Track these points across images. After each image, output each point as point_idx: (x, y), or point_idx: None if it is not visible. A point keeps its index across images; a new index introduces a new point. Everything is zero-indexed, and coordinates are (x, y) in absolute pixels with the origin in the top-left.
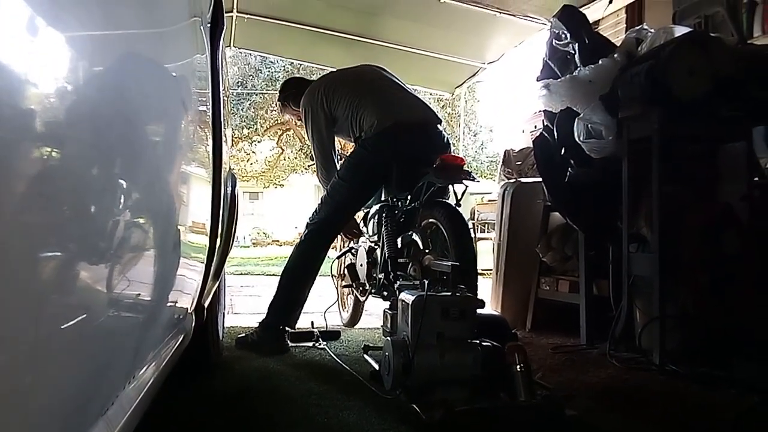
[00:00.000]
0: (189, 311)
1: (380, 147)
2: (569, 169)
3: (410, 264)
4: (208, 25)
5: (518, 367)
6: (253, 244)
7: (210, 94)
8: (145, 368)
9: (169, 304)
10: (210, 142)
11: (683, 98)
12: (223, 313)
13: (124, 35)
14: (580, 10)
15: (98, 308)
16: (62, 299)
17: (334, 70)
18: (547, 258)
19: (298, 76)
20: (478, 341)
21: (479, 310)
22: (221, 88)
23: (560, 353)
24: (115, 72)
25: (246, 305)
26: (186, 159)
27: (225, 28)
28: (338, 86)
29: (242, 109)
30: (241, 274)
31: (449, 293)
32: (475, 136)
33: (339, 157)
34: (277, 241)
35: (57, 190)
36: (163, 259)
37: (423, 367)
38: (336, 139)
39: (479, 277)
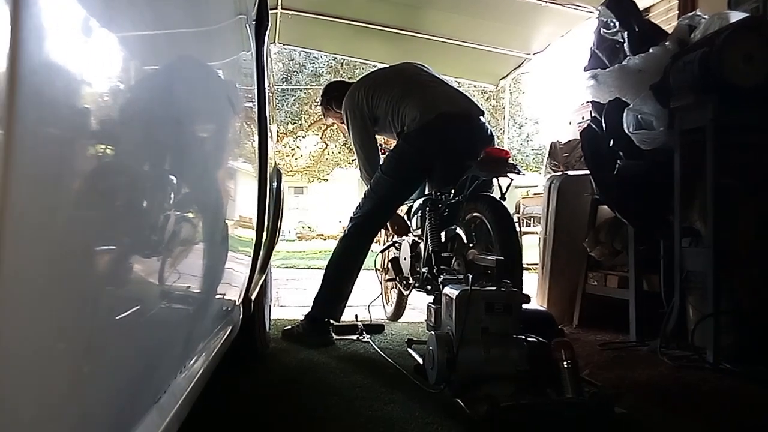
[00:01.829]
0: (237, 303)
1: (423, 140)
2: (618, 161)
3: (454, 258)
4: (254, 22)
5: (565, 363)
6: (298, 238)
7: (256, 91)
8: (195, 358)
9: (217, 296)
10: (256, 138)
11: (739, 86)
12: (270, 306)
13: (173, 34)
14: None
15: (151, 300)
16: (118, 291)
17: (374, 70)
18: (595, 252)
19: (339, 79)
20: (523, 337)
21: (525, 306)
22: (267, 85)
23: (609, 350)
24: (165, 71)
25: (292, 298)
26: (233, 155)
27: (270, 24)
28: (378, 85)
29: (287, 105)
30: (287, 267)
31: (494, 288)
32: (520, 128)
33: (382, 151)
34: (322, 234)
35: (111, 186)
36: (212, 252)
37: (467, 362)
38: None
39: (525, 271)
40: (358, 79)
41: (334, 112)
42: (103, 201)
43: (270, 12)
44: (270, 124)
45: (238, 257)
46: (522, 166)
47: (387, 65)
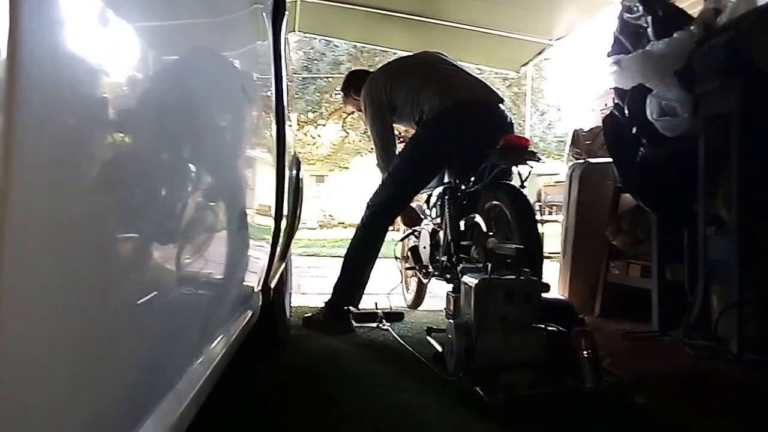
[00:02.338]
0: (256, 290)
1: (441, 127)
2: (641, 148)
3: (473, 247)
4: (270, 11)
5: (585, 353)
6: (320, 226)
7: (273, 81)
8: (213, 344)
9: (235, 283)
10: (273, 127)
11: (766, 71)
12: (290, 293)
13: (188, 25)
14: None
15: (167, 287)
16: (133, 278)
17: (394, 59)
18: (617, 241)
19: (360, 68)
20: (543, 326)
21: (545, 295)
22: (284, 75)
23: (630, 340)
24: (180, 61)
25: (313, 285)
26: (251, 144)
27: (287, 14)
28: (397, 74)
29: (307, 94)
30: (308, 255)
31: (513, 276)
32: (542, 115)
33: (400, 140)
34: (343, 223)
35: (130, 175)
36: (229, 240)
37: (486, 350)
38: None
39: (546, 260)
40: (377, 67)
41: (353, 100)
42: (122, 190)
43: (288, 1)
44: (288, 113)
45: (256, 245)
46: (544, 154)
47: (407, 54)
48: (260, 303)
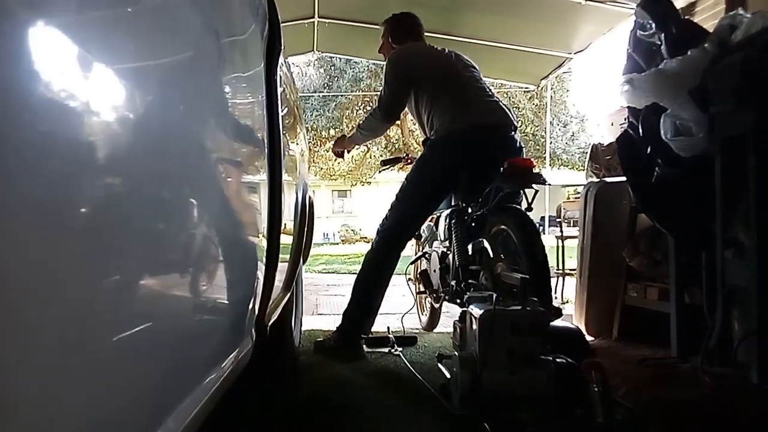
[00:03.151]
0: (246, 329)
1: (448, 150)
2: (656, 168)
3: (481, 272)
4: (263, 48)
5: (595, 385)
6: (342, 241)
7: (264, 113)
8: (183, 403)
9: (212, 328)
10: (264, 153)
11: None
12: (300, 319)
13: (175, 66)
14: None
15: (132, 336)
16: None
17: (423, 47)
18: (634, 263)
19: (406, 16)
20: (551, 357)
21: (554, 322)
22: (279, 110)
23: (647, 366)
24: (164, 99)
25: (331, 305)
26: (234, 178)
27: (282, 48)
28: (423, 76)
29: (328, 110)
30: (328, 272)
31: (519, 307)
32: (565, 126)
33: (407, 161)
34: (365, 237)
35: (91, 211)
36: (204, 280)
37: (492, 384)
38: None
39: (567, 277)
40: (411, 45)
41: (388, 45)
42: (83, 221)
43: (307, 21)
44: (288, 143)
45: (241, 282)
46: (567, 165)
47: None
48: (252, 343)
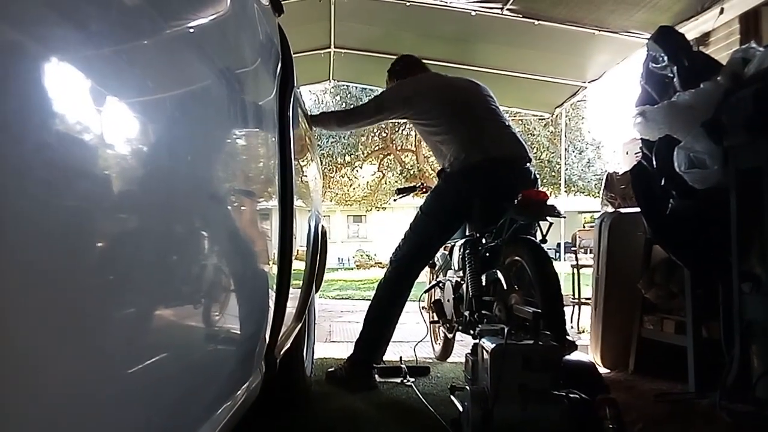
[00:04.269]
0: (255, 362)
1: (463, 182)
2: (671, 200)
3: (495, 303)
4: (278, 79)
5: (609, 422)
6: (357, 266)
7: (276, 142)
8: None
9: (219, 364)
10: (276, 185)
11: None
12: (312, 349)
13: (193, 94)
14: (681, 29)
15: (136, 370)
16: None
17: (436, 77)
18: (650, 295)
19: (412, 57)
20: (564, 393)
21: (567, 357)
22: (291, 144)
23: (664, 401)
24: (175, 126)
25: (344, 332)
26: (242, 211)
27: (295, 86)
28: (434, 105)
29: (344, 137)
30: (342, 298)
31: (532, 341)
32: (580, 153)
33: (423, 190)
34: (380, 263)
35: (84, 244)
36: (206, 311)
37: (503, 419)
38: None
39: (582, 306)
40: (423, 75)
41: (392, 82)
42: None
43: (323, 51)
44: (300, 174)
45: (251, 317)
46: (583, 192)
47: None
48: (261, 376)
